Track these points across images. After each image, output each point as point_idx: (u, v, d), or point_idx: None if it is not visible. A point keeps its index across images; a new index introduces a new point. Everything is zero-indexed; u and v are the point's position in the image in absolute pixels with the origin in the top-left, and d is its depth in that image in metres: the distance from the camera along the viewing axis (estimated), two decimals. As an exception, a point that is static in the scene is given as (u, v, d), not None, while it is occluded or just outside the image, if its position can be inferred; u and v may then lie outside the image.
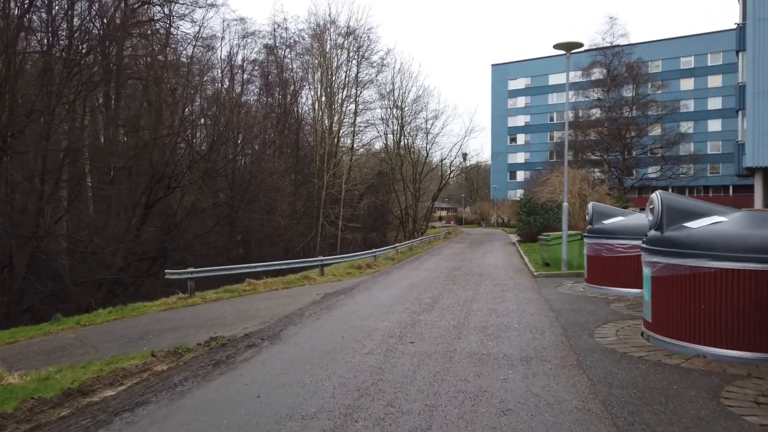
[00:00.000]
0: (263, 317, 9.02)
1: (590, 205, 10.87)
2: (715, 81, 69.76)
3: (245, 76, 36.93)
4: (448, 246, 28.71)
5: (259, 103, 37.92)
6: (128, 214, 22.67)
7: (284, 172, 29.70)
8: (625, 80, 43.31)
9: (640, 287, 7.63)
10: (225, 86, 34.98)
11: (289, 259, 20.12)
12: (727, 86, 68.68)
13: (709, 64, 70.55)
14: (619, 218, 10.41)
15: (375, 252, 18.33)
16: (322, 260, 14.97)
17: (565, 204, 13.75)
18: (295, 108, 40.81)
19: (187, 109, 24.21)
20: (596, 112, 43.88)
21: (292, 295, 11.76)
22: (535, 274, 13.66)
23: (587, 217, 10.90)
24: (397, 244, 22.01)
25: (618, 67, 42.38)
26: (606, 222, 10.35)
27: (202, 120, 24.92)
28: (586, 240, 10.68)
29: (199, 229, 24.65)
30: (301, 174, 37.70)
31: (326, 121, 38.91)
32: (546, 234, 15.53)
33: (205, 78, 30.87)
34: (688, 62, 70.23)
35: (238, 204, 24.91)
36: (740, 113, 31.45)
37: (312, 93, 39.64)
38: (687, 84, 66.61)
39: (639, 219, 10.38)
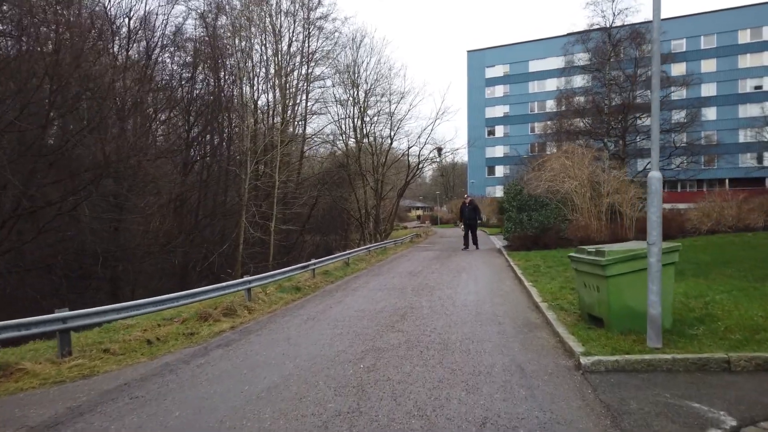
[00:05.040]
0: None
1: None
2: (708, 66, 64.04)
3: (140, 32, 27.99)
4: (408, 256, 20.26)
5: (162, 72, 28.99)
6: None
7: (162, 154, 20.74)
8: (627, 55, 35.78)
9: None
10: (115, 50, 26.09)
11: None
12: (722, 71, 62.75)
13: (702, 47, 64.78)
14: None
15: (250, 284, 9.65)
16: (65, 318, 6.23)
17: (656, 173, 5.35)
18: (224, 84, 31.83)
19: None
20: (593, 87, 36.14)
21: None
22: (584, 362, 5.01)
23: None
24: (314, 261, 13.34)
25: (620, 32, 34.70)
26: None
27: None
28: None
29: (15, 241, 15.65)
30: (232, 164, 29.10)
31: (261, 98, 30.32)
32: (597, 250, 6.45)
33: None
34: (679, 45, 64.15)
35: (76, 199, 15.88)
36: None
37: (249, 65, 30.79)
38: (678, 69, 59.89)
39: None
